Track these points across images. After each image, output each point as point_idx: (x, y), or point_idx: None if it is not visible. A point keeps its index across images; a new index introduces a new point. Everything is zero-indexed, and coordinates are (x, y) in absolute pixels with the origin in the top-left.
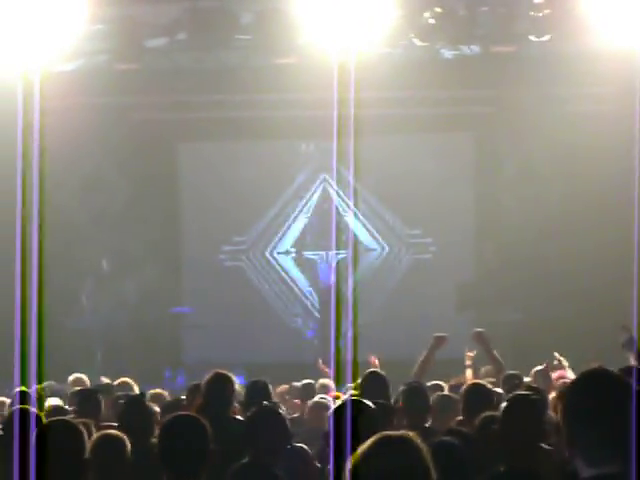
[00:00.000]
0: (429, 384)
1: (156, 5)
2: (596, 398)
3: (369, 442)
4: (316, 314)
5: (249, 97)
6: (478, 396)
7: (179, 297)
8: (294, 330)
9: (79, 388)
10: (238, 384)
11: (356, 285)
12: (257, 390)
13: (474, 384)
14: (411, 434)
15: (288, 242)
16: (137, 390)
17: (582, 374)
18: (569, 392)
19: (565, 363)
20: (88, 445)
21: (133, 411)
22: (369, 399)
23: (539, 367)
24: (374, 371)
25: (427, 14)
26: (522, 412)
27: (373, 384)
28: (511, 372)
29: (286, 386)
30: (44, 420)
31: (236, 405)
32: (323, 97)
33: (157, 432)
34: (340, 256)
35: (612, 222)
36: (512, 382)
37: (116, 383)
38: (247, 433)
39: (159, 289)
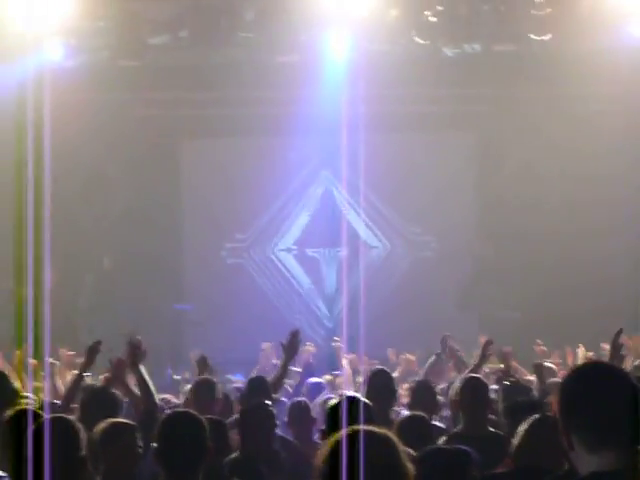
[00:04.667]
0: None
1: (158, 2)
2: (591, 386)
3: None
4: (318, 312)
5: (251, 94)
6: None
7: (181, 294)
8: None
9: None
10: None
11: (358, 282)
12: (256, 387)
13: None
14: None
15: (290, 239)
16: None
17: (577, 366)
18: (564, 383)
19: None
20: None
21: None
22: (374, 394)
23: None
24: (380, 368)
25: (428, 12)
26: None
27: (378, 380)
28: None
29: None
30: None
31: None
32: (325, 94)
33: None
34: (341, 253)
35: (614, 222)
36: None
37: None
38: (238, 429)
39: (161, 286)
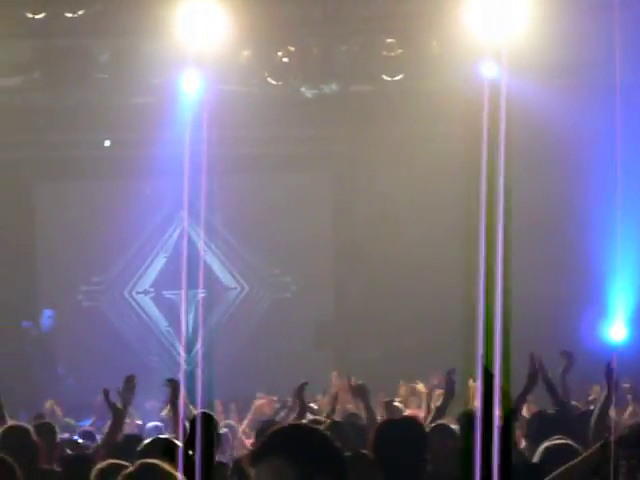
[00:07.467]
0: None
1: (9, 42)
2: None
3: None
4: (175, 355)
5: (107, 136)
6: None
7: (36, 338)
8: (153, 370)
9: None
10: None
11: (215, 324)
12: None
13: None
14: None
15: (147, 282)
16: None
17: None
18: None
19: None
20: None
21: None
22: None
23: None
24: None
25: (280, 53)
26: None
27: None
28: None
29: None
30: None
31: None
32: (179, 136)
33: None
34: (199, 295)
35: (467, 258)
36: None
37: None
38: None
39: (15, 330)
